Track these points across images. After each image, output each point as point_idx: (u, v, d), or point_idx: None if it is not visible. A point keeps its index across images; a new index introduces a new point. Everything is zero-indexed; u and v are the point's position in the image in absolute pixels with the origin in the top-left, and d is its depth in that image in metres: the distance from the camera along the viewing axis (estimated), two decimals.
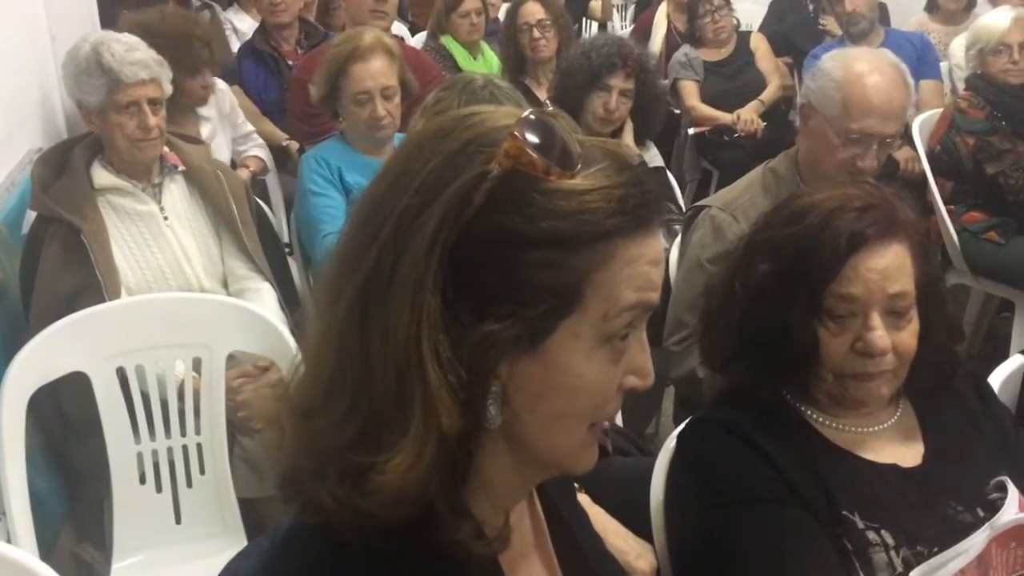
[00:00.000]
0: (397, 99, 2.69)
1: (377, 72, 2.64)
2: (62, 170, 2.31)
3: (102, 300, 2.13)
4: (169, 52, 2.49)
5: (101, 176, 2.33)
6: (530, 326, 0.74)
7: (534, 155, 0.74)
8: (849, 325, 1.28)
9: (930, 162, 3.38)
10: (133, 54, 2.29)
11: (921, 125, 3.51)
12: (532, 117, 0.76)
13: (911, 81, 2.16)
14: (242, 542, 2.02)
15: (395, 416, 0.73)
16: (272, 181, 3.62)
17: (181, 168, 2.45)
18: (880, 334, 1.26)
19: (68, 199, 2.24)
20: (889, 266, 1.27)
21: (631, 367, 0.80)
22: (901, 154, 3.70)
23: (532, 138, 0.74)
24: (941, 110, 3.50)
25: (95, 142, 2.37)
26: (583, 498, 1.40)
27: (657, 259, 0.78)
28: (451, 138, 0.77)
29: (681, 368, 2.09)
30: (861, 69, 2.07)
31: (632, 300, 0.77)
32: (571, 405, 0.78)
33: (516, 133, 0.74)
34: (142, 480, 2.04)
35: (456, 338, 0.73)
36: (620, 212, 0.75)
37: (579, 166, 0.76)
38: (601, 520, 1.40)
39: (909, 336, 1.30)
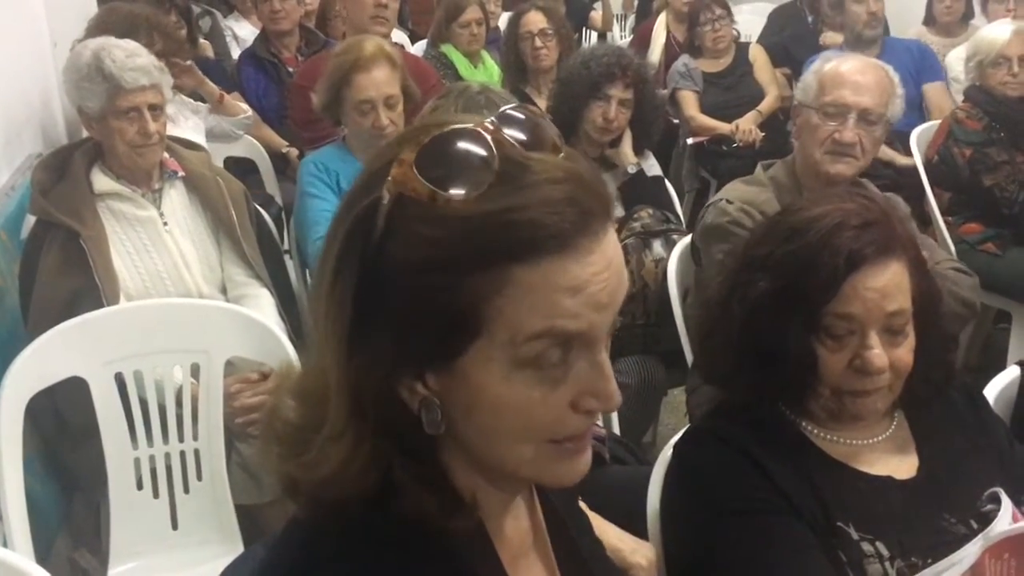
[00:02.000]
0: (400, 107, 2.69)
1: (380, 81, 2.65)
2: (62, 175, 2.31)
3: (101, 305, 2.13)
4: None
5: (101, 181, 2.33)
6: (428, 348, 0.75)
7: (419, 180, 0.72)
8: (847, 343, 1.29)
9: (927, 172, 3.39)
10: (134, 60, 2.30)
11: (919, 136, 3.52)
12: (439, 138, 0.75)
13: (895, 78, 2.28)
14: (239, 549, 2.02)
15: (324, 414, 0.80)
16: (272, 188, 3.63)
17: (181, 174, 2.45)
18: (878, 352, 1.27)
19: (68, 204, 2.25)
20: (887, 284, 1.27)
21: (584, 389, 0.77)
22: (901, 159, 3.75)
23: (427, 161, 0.73)
24: (939, 121, 3.51)
25: (95, 147, 2.38)
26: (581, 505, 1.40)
27: (574, 286, 0.73)
28: (378, 158, 0.79)
29: None
30: (840, 60, 2.27)
31: (537, 328, 0.73)
32: (498, 423, 0.77)
33: (405, 158, 0.73)
34: (139, 486, 2.04)
35: (357, 354, 0.77)
36: (514, 240, 0.72)
37: (485, 186, 0.72)
38: (597, 524, 1.40)
39: (905, 352, 1.30)
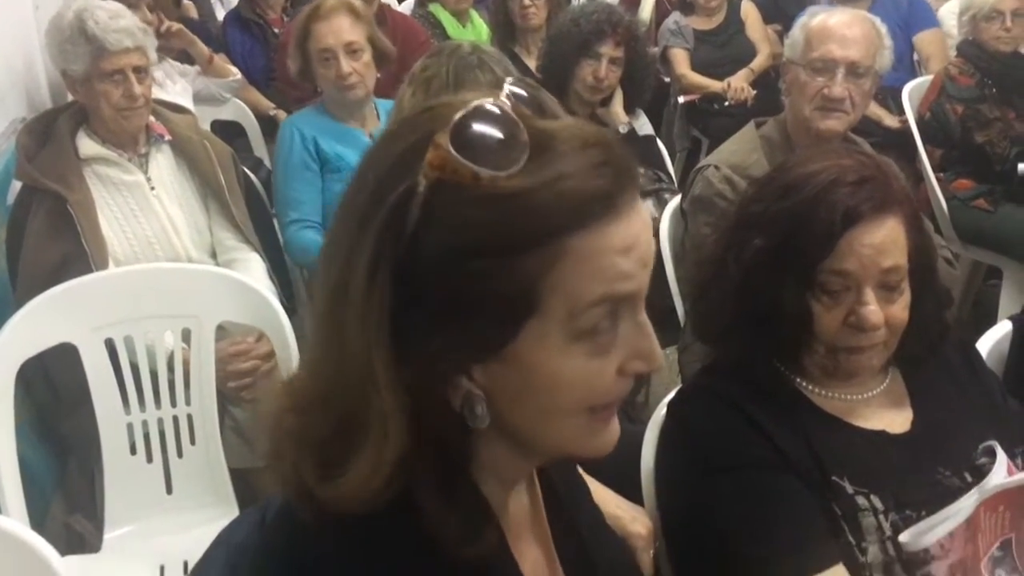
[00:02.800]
0: (365, 58, 2.68)
1: (339, 29, 2.65)
2: (47, 140, 2.28)
3: (89, 271, 2.12)
4: None
5: (86, 146, 2.31)
6: (483, 338, 0.73)
7: (460, 162, 0.69)
8: (842, 300, 1.28)
9: (919, 129, 3.38)
10: (117, 21, 2.26)
11: (911, 92, 3.50)
12: (467, 116, 0.71)
13: (883, 29, 2.26)
14: (233, 512, 2.03)
15: (360, 424, 0.74)
16: (260, 151, 3.60)
17: (167, 138, 2.42)
18: (873, 309, 1.26)
19: (53, 169, 2.22)
20: (883, 241, 1.26)
21: (632, 352, 0.76)
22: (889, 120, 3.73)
23: (463, 141, 0.70)
24: (931, 77, 3.49)
25: (80, 111, 2.35)
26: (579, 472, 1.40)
27: (626, 246, 0.73)
28: (394, 145, 0.75)
29: None
30: (827, 14, 2.27)
31: (598, 294, 0.72)
32: (554, 402, 0.76)
33: (440, 141, 0.70)
34: (132, 451, 2.04)
35: (404, 355, 0.72)
36: (565, 209, 0.70)
37: (522, 163, 0.70)
38: (597, 491, 1.40)
39: (901, 309, 1.30)
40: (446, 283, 0.71)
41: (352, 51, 2.66)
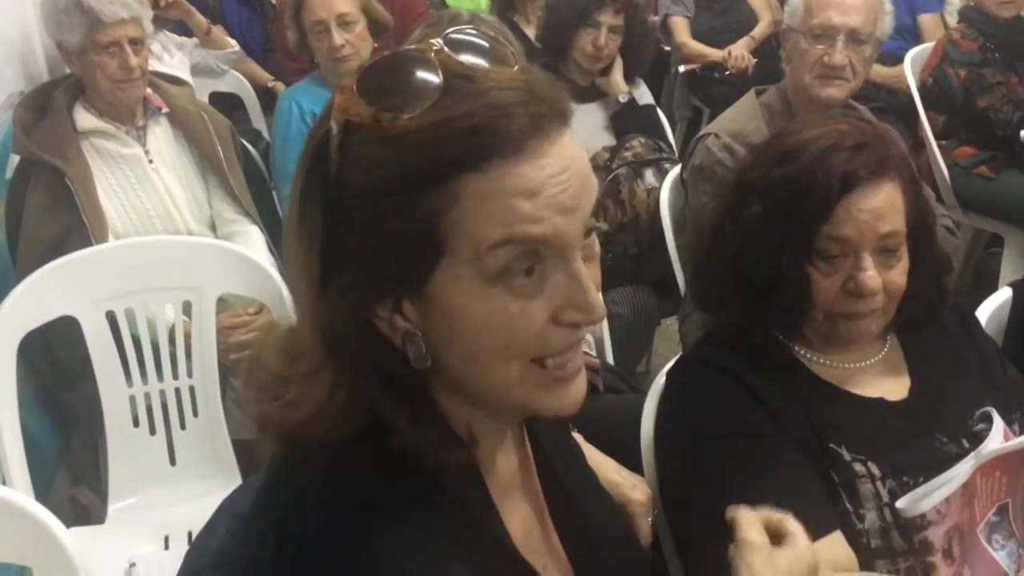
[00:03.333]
0: (359, 28, 2.66)
1: (331, 1, 2.63)
2: (44, 113, 2.28)
3: (89, 244, 2.12)
4: None
5: (84, 119, 2.30)
6: (395, 274, 0.75)
7: (360, 103, 0.73)
8: (840, 265, 1.28)
9: (921, 96, 3.36)
10: None
11: (913, 59, 3.48)
12: (381, 61, 0.75)
13: None
14: (236, 482, 2.04)
15: (304, 352, 0.80)
16: (258, 123, 3.58)
17: (165, 110, 2.41)
18: (871, 274, 1.26)
19: (51, 142, 2.22)
20: (881, 206, 1.26)
21: (565, 301, 0.76)
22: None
23: (368, 84, 0.73)
24: (933, 44, 3.47)
25: (76, 84, 2.34)
26: (575, 436, 1.40)
27: (529, 189, 0.72)
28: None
29: None
30: None
31: (498, 237, 0.72)
32: (477, 344, 0.76)
33: (346, 84, 0.74)
34: (135, 423, 2.05)
35: (329, 286, 0.76)
36: (460, 148, 0.71)
37: (427, 103, 0.72)
38: (593, 457, 1.41)
39: (899, 274, 1.30)
40: (362, 222, 0.74)
41: (345, 23, 2.64)
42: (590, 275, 0.78)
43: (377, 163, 0.73)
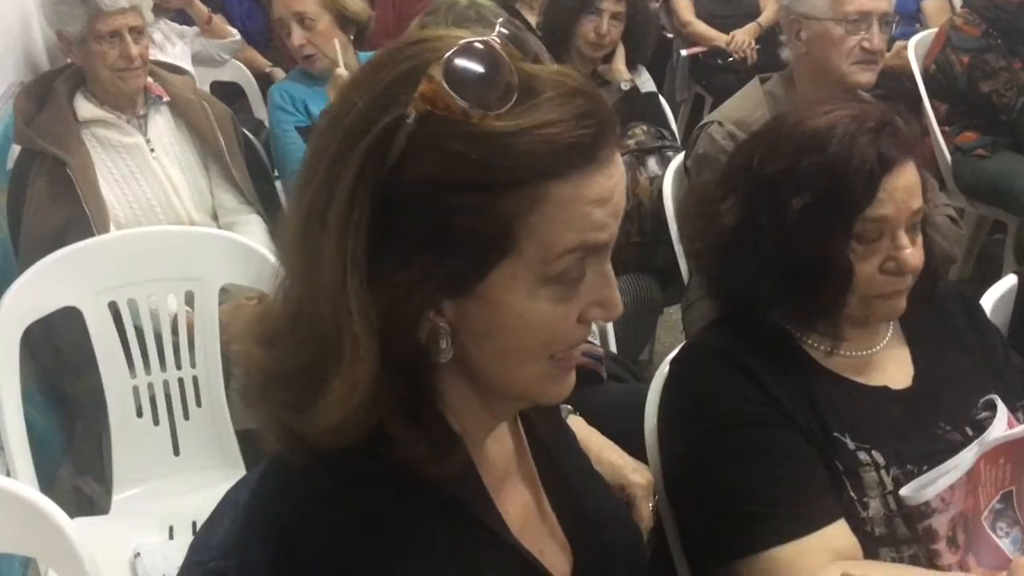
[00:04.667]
0: (321, 26, 2.59)
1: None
2: (44, 103, 2.27)
3: (91, 234, 2.12)
4: None
5: (84, 108, 2.29)
6: (457, 272, 0.74)
7: (452, 97, 0.70)
8: (878, 247, 1.27)
9: (925, 83, 3.34)
10: None
11: (916, 45, 3.46)
12: (460, 52, 0.72)
13: None
14: (240, 472, 2.04)
15: (333, 351, 0.75)
16: (260, 112, 3.57)
17: (166, 99, 2.41)
18: (912, 251, 1.26)
19: (52, 132, 2.21)
20: (911, 183, 1.26)
21: (593, 300, 0.78)
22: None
23: (456, 76, 0.71)
24: (936, 30, 3.45)
25: (76, 73, 2.33)
26: (577, 420, 1.41)
27: (603, 197, 0.74)
28: (383, 73, 0.75)
29: None
30: None
31: (571, 243, 0.74)
32: (517, 343, 0.77)
33: (433, 74, 0.71)
34: (139, 413, 2.05)
35: (377, 283, 0.73)
36: (549, 154, 0.72)
37: (510, 104, 0.71)
38: (596, 440, 1.41)
39: (920, 250, 1.30)
40: (425, 215, 0.72)
41: (302, 20, 2.58)
42: None
43: (456, 158, 0.71)
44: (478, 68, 0.72)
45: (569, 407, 1.40)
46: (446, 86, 0.70)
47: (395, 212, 0.72)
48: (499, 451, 0.91)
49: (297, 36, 2.57)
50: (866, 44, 2.14)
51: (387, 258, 0.73)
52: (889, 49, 3.61)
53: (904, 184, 1.26)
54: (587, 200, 0.74)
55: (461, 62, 0.72)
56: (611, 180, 0.75)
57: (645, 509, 1.39)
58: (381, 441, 0.77)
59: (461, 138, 0.71)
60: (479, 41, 0.73)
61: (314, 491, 0.79)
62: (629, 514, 1.28)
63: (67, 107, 2.28)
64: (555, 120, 0.72)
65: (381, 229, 0.73)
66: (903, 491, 1.23)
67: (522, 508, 0.92)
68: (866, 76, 2.18)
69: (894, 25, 2.26)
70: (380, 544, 0.77)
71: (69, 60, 2.39)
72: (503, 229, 0.72)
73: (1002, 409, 1.29)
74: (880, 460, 1.26)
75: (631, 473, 1.40)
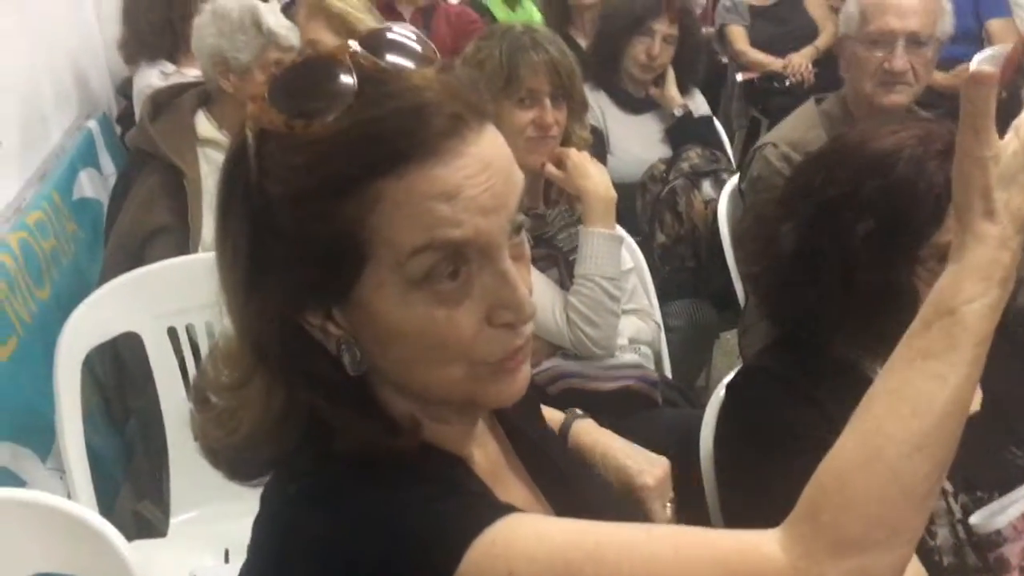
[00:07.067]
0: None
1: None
2: (165, 110, 2.36)
3: (177, 247, 2.18)
4: None
5: (204, 127, 2.38)
6: (323, 282, 0.74)
7: (272, 111, 0.72)
8: (940, 271, 1.23)
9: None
10: (282, 19, 2.35)
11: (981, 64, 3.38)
12: (289, 70, 0.75)
13: None
14: None
15: (243, 364, 0.80)
16: None
17: None
18: None
19: (172, 140, 2.30)
20: None
21: (494, 302, 0.75)
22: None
23: (277, 92, 0.73)
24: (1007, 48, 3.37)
25: (204, 93, 2.42)
26: (587, 423, 1.35)
27: (446, 192, 0.71)
28: None
29: None
30: None
31: (419, 241, 0.71)
32: (413, 350, 0.76)
33: (257, 93, 0.73)
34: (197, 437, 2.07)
35: (256, 295, 0.76)
36: (375, 151, 0.70)
37: (341, 108, 0.71)
38: (606, 441, 1.35)
39: None
40: (284, 229, 0.73)
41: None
42: (520, 274, 0.77)
43: (293, 171, 0.72)
44: (307, 80, 0.73)
45: (579, 411, 1.36)
46: (267, 102, 0.73)
47: (263, 230, 0.74)
48: (483, 456, 0.90)
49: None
50: (887, 65, 2.10)
51: (260, 276, 0.75)
52: (949, 69, 3.57)
53: None
54: (427, 196, 0.71)
55: (286, 78, 0.75)
56: (459, 172, 0.71)
57: (659, 510, 1.33)
58: (328, 438, 0.78)
59: (291, 149, 0.72)
60: (323, 54, 0.75)
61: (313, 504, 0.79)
62: (631, 508, 1.25)
63: (189, 120, 2.36)
64: (380, 118, 0.71)
65: (255, 249, 0.75)
66: (973, 519, 1.19)
67: (524, 505, 0.90)
68: (892, 98, 2.13)
69: (940, 45, 2.19)
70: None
71: (220, 84, 2.37)
72: (349, 235, 0.72)
73: None
74: (948, 487, 1.22)
75: (636, 476, 1.34)
